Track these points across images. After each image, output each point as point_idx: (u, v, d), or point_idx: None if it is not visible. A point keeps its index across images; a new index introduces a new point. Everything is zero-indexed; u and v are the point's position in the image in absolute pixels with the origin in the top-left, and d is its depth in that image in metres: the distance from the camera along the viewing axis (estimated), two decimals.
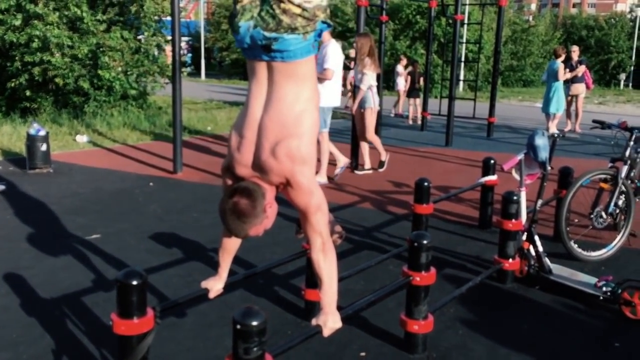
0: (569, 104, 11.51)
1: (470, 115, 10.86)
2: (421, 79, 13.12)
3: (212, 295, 2.52)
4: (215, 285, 2.51)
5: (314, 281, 3.10)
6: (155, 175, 6.73)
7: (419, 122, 11.92)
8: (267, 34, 2.05)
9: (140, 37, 12.60)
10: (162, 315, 2.35)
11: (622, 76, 34.03)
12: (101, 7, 11.85)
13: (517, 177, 3.75)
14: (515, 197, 3.55)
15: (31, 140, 6.64)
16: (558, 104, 10.55)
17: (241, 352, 1.88)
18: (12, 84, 11.32)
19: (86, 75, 11.42)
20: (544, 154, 3.51)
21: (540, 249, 3.64)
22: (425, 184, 3.91)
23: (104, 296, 3.34)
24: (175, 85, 6.65)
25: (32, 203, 5.42)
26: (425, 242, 2.73)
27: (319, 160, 6.36)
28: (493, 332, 3.05)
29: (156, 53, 12.36)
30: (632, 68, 34.57)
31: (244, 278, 3.15)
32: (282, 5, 2.03)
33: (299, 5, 2.03)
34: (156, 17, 12.44)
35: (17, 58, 11.09)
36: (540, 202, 3.64)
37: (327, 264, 2.20)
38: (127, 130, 10.14)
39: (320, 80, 6.16)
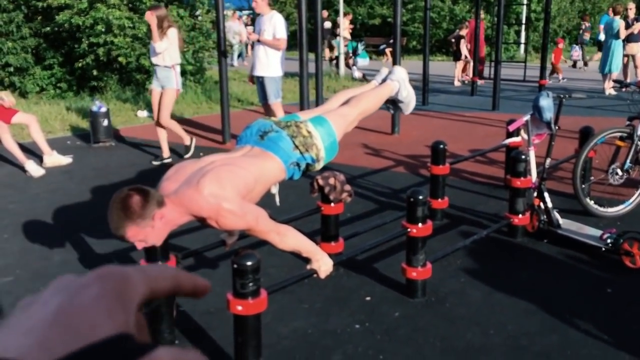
0: (624, 64, 11.16)
1: (533, 79, 10.75)
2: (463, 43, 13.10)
3: (228, 247, 2.88)
4: (229, 239, 2.84)
5: (328, 235, 3.45)
6: (206, 146, 7.20)
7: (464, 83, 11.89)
8: (274, 126, 2.55)
9: (196, 13, 13.10)
10: (184, 263, 2.75)
11: None
12: None
13: (525, 137, 3.91)
14: (523, 156, 3.73)
15: (94, 117, 7.25)
16: (614, 62, 10.27)
17: (238, 287, 2.25)
18: (80, 65, 12.10)
19: (147, 53, 12.05)
20: (548, 115, 3.65)
21: (550, 204, 3.81)
22: (441, 146, 4.13)
23: None
24: (221, 59, 7.06)
25: (95, 173, 6.01)
26: (420, 197, 3.00)
27: None
28: (492, 281, 3.29)
29: (211, 29, 12.82)
30: None
31: None
32: (300, 123, 2.58)
33: (309, 132, 2.58)
34: None
35: (83, 40, 11.83)
36: (548, 160, 3.80)
37: (291, 242, 2.46)
38: (184, 104, 10.71)
39: (275, 49, 6.36)
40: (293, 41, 24.83)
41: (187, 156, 6.62)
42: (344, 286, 3.28)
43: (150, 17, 6.03)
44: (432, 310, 2.98)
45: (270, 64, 6.36)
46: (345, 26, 17.24)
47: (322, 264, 2.56)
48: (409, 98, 3.22)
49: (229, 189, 2.23)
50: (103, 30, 11.49)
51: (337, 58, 15.88)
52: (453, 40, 13.69)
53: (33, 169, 5.91)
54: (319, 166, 2.68)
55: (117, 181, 5.64)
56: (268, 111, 6.66)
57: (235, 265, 2.24)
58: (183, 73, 12.48)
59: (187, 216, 2.24)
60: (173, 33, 6.13)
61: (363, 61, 15.59)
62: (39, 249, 3.94)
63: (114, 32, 11.58)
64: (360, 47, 15.31)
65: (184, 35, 12.22)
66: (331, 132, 2.70)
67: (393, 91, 3.18)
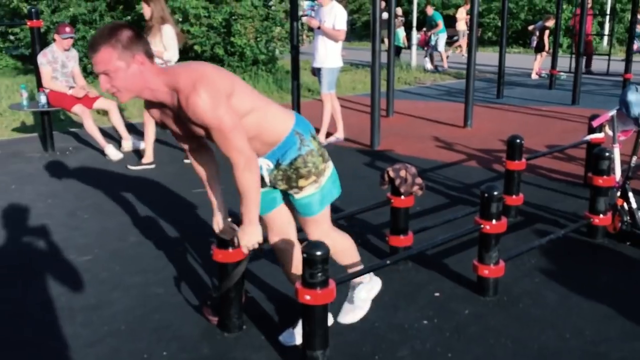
0: None
1: (617, 72, 10.23)
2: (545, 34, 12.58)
3: (218, 229, 2.54)
4: (219, 221, 2.55)
5: (398, 228, 3.40)
6: None
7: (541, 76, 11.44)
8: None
9: (269, 3, 13.23)
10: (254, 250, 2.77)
11: None
12: None
13: (609, 133, 3.70)
14: (607, 154, 3.53)
15: None
16: None
17: (307, 276, 2.25)
18: None
19: (221, 42, 12.29)
20: (637, 110, 3.44)
21: (634, 205, 3.60)
22: (517, 140, 3.97)
23: None
24: (293, 49, 7.09)
25: (169, 158, 6.17)
26: (495, 193, 2.89)
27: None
28: (569, 282, 3.14)
29: (284, 18, 12.91)
30: None
31: (336, 220, 3.52)
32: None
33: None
34: None
35: None
36: (634, 158, 3.58)
37: (246, 182, 2.16)
38: None
39: (334, 40, 6.28)
40: (365, 32, 24.64)
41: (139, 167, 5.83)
42: (412, 281, 3.22)
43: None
44: (504, 310, 2.88)
45: (328, 55, 6.37)
46: (462, 16, 16.88)
47: (248, 233, 2.31)
48: (360, 305, 2.75)
49: (219, 88, 2.06)
50: (180, 19, 11.79)
51: (398, 49, 15.61)
52: (537, 31, 13.16)
53: (112, 152, 6.14)
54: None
55: (191, 166, 5.77)
56: (333, 101, 6.68)
57: (304, 255, 2.23)
58: (255, 62, 12.67)
59: (162, 86, 2.06)
60: (168, 32, 5.56)
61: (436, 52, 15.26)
62: (117, 230, 4.09)
63: (190, 21, 11.88)
64: (434, 38, 15.00)
65: (257, 25, 12.39)
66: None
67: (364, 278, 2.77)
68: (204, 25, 12.00)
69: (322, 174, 2.38)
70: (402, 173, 3.27)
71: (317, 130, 6.64)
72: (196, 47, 12.10)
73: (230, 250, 2.62)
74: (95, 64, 1.98)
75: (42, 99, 6.23)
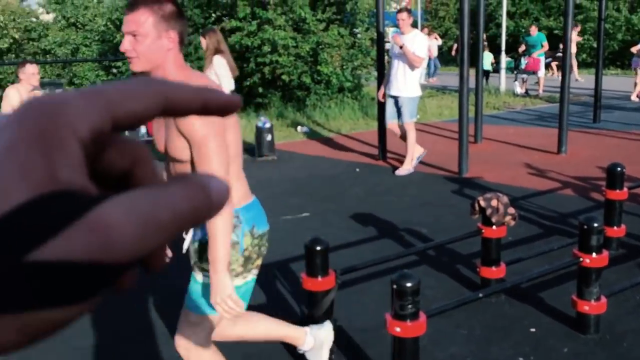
0: None
1: None
2: None
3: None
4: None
5: (489, 259, 3.31)
6: (362, 162, 7.30)
7: None
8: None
9: (355, 31, 13.43)
10: (342, 278, 2.78)
11: None
12: (321, 7, 12.89)
13: None
14: None
15: (259, 132, 7.69)
16: None
17: (397, 308, 2.23)
18: (248, 83, 12.95)
19: (308, 71, 12.57)
20: None
21: None
22: (619, 169, 3.78)
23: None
24: (379, 76, 7.14)
25: (258, 185, 6.32)
26: (595, 225, 2.76)
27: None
28: None
29: (369, 46, 13.05)
30: None
31: (424, 250, 3.48)
32: None
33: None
34: (371, 12, 13.13)
35: (251, 60, 12.66)
36: None
37: (224, 217, 1.85)
38: (342, 120, 10.98)
39: (413, 66, 6.24)
40: (449, 57, 24.28)
41: None
42: (506, 314, 3.11)
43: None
44: (607, 349, 2.71)
45: (408, 83, 6.39)
46: (573, 37, 16.46)
47: (219, 287, 1.87)
48: None
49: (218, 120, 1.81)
50: (269, 50, 12.19)
51: (487, 73, 15.26)
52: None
53: None
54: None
55: (279, 193, 5.91)
56: (394, 130, 6.70)
57: (394, 286, 2.22)
58: (341, 89, 12.85)
59: (173, 76, 1.89)
60: (218, 62, 5.81)
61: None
62: None
63: (278, 52, 12.24)
64: (524, 61, 14.59)
65: (343, 53, 12.59)
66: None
67: (299, 342, 2.57)
68: (291, 55, 12.33)
69: (234, 275, 1.98)
70: (494, 202, 3.19)
71: (398, 160, 6.63)
72: (284, 77, 12.44)
73: (320, 279, 2.65)
74: (127, 22, 1.85)
75: (142, 129, 6.61)
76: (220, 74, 5.79)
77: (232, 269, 1.95)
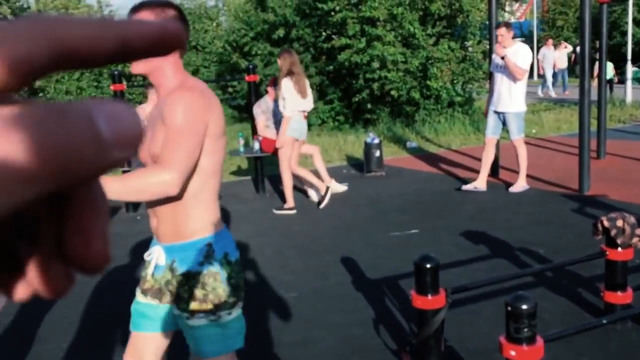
0: None
1: None
2: None
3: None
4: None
5: (614, 283, 3.10)
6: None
7: None
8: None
9: (466, 44, 13.17)
10: (453, 297, 2.73)
11: None
12: (431, 22, 12.79)
13: None
14: None
15: (367, 148, 7.73)
16: None
17: (512, 331, 2.14)
18: (357, 99, 13.08)
19: (417, 86, 12.49)
20: None
21: None
22: None
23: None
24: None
25: (366, 201, 6.37)
26: None
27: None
28: None
29: (481, 59, 12.73)
30: None
31: (541, 271, 3.32)
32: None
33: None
34: (483, 24, 12.83)
35: (360, 76, 12.79)
36: None
37: (158, 192, 1.73)
38: (452, 135, 10.77)
39: (515, 78, 5.97)
40: (571, 67, 23.02)
41: (321, 206, 6.19)
42: (632, 343, 2.89)
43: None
44: None
45: (513, 99, 6.20)
46: None
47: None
48: None
49: (207, 115, 1.79)
50: (378, 66, 12.25)
51: (610, 82, 14.30)
52: None
53: (314, 195, 6.52)
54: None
55: (387, 209, 5.90)
56: (492, 146, 6.49)
57: (509, 308, 2.14)
58: (451, 104, 12.64)
59: (168, 79, 1.84)
60: (284, 84, 5.84)
61: None
62: (319, 269, 4.31)
63: (387, 68, 12.28)
64: None
65: (454, 67, 12.38)
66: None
67: None
68: (400, 70, 12.32)
69: (223, 308, 1.82)
70: (619, 223, 2.99)
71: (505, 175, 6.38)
72: (392, 92, 12.45)
73: (430, 297, 2.61)
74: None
75: (256, 146, 6.86)
76: (285, 97, 5.84)
77: (223, 301, 1.81)
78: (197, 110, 1.76)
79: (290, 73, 5.85)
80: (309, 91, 6.05)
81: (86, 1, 19.34)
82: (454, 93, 12.41)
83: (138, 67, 1.87)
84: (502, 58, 6.06)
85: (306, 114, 6.11)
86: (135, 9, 1.87)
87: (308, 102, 6.03)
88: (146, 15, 1.85)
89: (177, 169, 1.70)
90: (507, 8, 15.25)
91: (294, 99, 5.87)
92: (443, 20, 12.76)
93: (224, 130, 1.87)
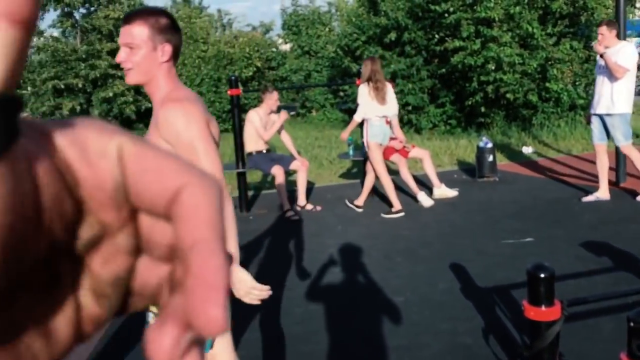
0: None
1: None
2: None
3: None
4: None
5: None
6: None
7: None
8: None
9: (591, 44, 12.41)
10: (570, 310, 2.59)
11: None
12: (551, 21, 12.19)
13: None
14: None
15: (480, 152, 7.51)
16: None
17: (635, 349, 2.01)
18: (470, 102, 12.74)
19: (535, 88, 11.95)
20: None
21: None
22: None
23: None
24: None
25: (478, 207, 6.20)
26: None
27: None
28: None
29: None
30: None
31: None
32: None
33: None
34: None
35: (474, 79, 12.45)
36: None
37: (231, 209, 1.91)
38: (573, 140, 10.20)
39: (613, 75, 5.53)
40: None
41: (390, 216, 6.12)
42: None
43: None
44: None
45: (615, 99, 5.73)
46: None
47: (241, 280, 1.84)
48: None
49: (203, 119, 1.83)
50: (493, 68, 11.87)
51: None
52: None
53: (424, 199, 6.45)
54: None
55: (500, 216, 5.70)
56: (603, 152, 6.03)
57: (631, 323, 2.01)
58: (572, 107, 11.96)
59: (162, 88, 1.90)
60: (360, 90, 6.19)
61: None
62: (426, 275, 4.26)
63: (503, 70, 11.86)
64: None
65: (576, 68, 11.72)
66: None
67: None
68: (517, 72, 11.85)
69: None
70: None
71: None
72: (508, 95, 12.00)
73: (544, 308, 2.50)
74: (123, 34, 1.89)
75: (365, 149, 6.90)
76: (359, 102, 6.20)
77: None
78: (196, 115, 1.81)
79: (369, 80, 6.11)
80: (390, 97, 6.27)
81: (207, 10, 20.41)
82: (576, 95, 11.75)
83: (134, 77, 1.91)
84: (601, 56, 5.69)
85: (388, 119, 6.32)
86: (129, 19, 1.89)
87: (388, 108, 6.24)
88: (140, 25, 1.87)
89: (215, 171, 1.76)
90: (638, 4, 14.09)
91: (368, 104, 6.16)
92: (565, 19, 12.12)
93: (218, 140, 1.91)
